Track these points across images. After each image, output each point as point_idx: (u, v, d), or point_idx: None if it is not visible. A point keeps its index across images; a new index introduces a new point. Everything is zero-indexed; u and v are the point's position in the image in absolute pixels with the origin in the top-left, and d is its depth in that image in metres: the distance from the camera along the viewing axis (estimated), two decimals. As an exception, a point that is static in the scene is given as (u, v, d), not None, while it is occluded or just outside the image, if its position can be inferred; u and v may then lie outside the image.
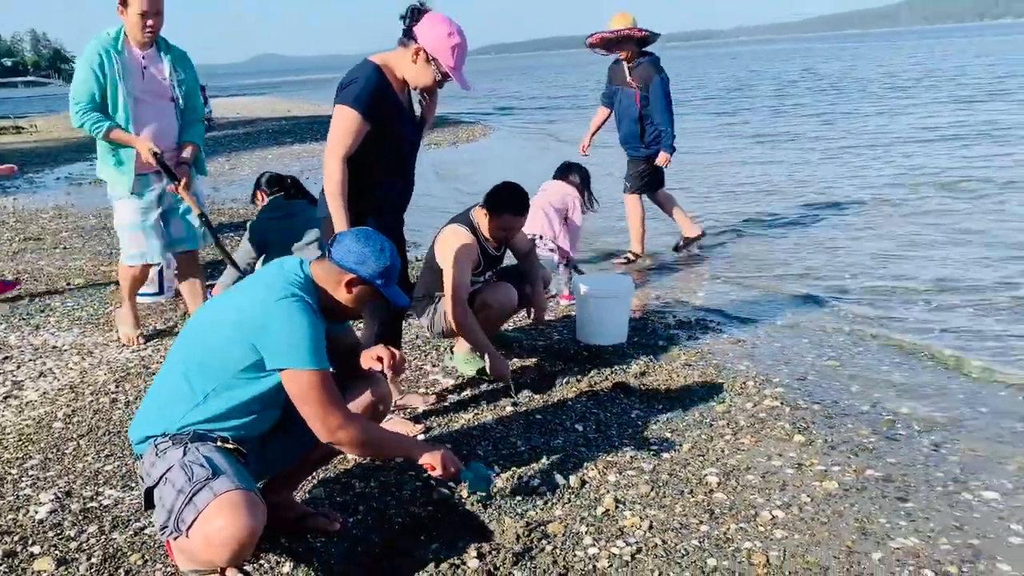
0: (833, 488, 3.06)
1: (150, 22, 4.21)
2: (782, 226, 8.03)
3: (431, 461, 2.55)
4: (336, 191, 3.13)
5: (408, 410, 3.80)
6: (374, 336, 3.30)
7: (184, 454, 2.27)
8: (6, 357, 4.72)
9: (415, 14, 3.18)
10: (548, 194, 5.65)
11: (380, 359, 2.71)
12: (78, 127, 4.29)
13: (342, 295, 2.49)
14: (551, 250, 5.51)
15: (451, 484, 3.04)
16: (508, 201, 4.08)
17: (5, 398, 4.11)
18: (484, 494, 2.93)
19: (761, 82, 34.28)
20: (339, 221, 3.10)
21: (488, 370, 3.92)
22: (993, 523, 2.84)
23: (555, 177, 5.83)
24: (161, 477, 2.27)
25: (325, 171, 3.16)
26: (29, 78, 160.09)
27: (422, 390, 4.08)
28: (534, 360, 4.48)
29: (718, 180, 10.97)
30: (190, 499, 2.18)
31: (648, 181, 6.71)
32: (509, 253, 4.33)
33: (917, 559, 2.62)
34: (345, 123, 3.12)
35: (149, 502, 2.35)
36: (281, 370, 2.29)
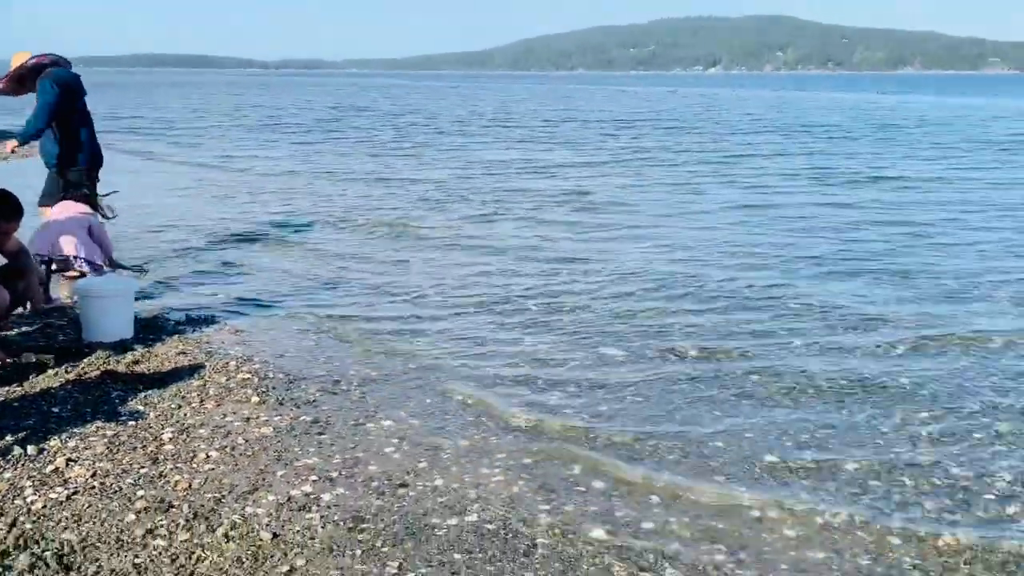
0: (268, 432, 3.83)
1: None
2: (298, 242, 8.69)
3: None
4: None
5: None
6: None
7: None
8: None
9: None
10: (67, 217, 5.82)
11: None
12: None
13: None
14: (85, 270, 5.66)
15: None
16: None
17: None
18: None
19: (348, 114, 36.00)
20: None
21: None
22: (380, 440, 3.81)
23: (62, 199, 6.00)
24: None
25: None
26: None
27: None
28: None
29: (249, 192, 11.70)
30: None
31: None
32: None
33: (312, 470, 3.46)
34: None
35: None
36: None
